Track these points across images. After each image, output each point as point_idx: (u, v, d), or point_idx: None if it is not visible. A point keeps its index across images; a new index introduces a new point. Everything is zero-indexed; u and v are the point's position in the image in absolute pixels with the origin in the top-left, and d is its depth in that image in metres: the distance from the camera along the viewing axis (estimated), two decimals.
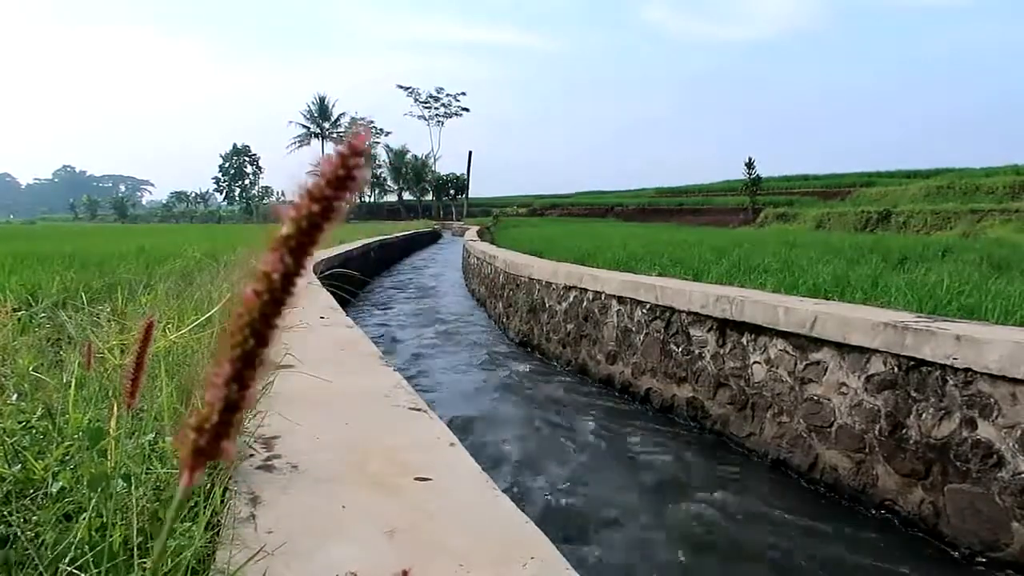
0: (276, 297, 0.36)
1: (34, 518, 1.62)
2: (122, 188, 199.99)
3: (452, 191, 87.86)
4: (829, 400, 4.93)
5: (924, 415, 4.22)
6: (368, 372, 4.06)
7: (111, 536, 1.52)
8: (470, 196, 79.18)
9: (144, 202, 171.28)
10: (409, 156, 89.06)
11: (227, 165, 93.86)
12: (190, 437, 0.36)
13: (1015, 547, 3.68)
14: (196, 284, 5.35)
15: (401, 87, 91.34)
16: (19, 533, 1.55)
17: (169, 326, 3.15)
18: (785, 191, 42.40)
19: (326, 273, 11.06)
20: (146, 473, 1.79)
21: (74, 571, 1.45)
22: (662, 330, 6.93)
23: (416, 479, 2.37)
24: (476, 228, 34.30)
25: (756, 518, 4.58)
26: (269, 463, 2.48)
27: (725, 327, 6.04)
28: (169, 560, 1.53)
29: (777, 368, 5.43)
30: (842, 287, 6.09)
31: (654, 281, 7.38)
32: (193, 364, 2.83)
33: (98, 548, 1.48)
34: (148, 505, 1.67)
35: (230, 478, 2.23)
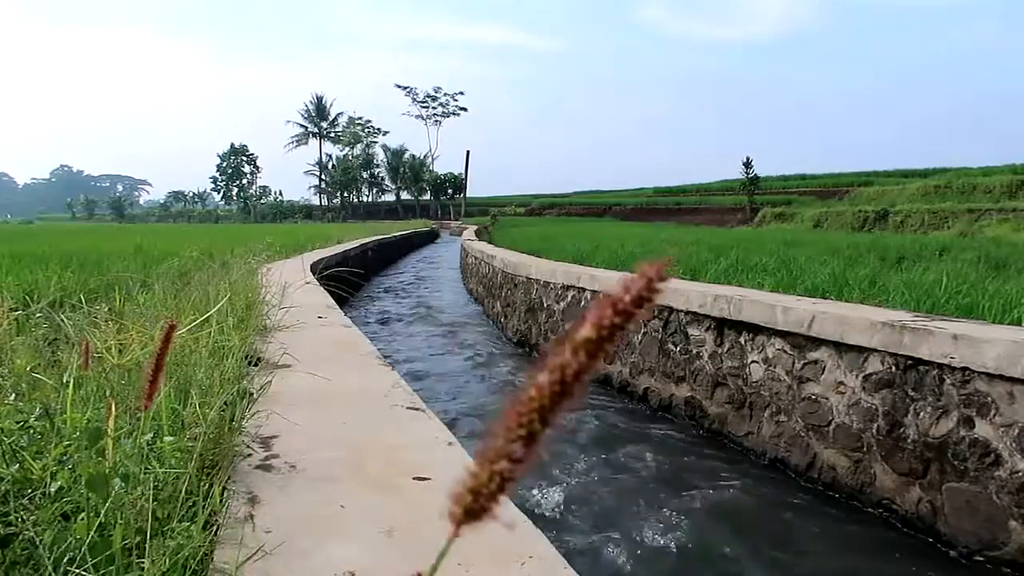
0: (566, 389, 0.39)
1: (32, 518, 1.62)
2: (119, 188, 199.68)
3: (450, 191, 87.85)
4: (827, 399, 4.93)
5: (922, 414, 4.23)
6: (366, 371, 4.06)
7: (110, 536, 1.52)
8: (468, 196, 79.18)
9: (142, 202, 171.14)
10: (407, 156, 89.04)
11: (225, 164, 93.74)
12: (466, 498, 0.40)
13: (1013, 546, 3.69)
14: (194, 283, 5.34)
15: (399, 86, 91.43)
16: (18, 533, 1.54)
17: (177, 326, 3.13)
18: (783, 190, 42.47)
19: (324, 272, 11.05)
20: (144, 473, 1.79)
21: (73, 571, 1.45)
22: (660, 329, 6.93)
23: (415, 478, 2.38)
24: (474, 228, 34.29)
25: (753, 517, 4.59)
26: (267, 463, 2.48)
27: (723, 326, 6.05)
28: (167, 559, 1.53)
29: (775, 367, 5.44)
30: (840, 286, 6.10)
31: None
32: (191, 364, 2.83)
33: (97, 548, 1.48)
34: (146, 505, 1.67)
35: (228, 478, 2.23)
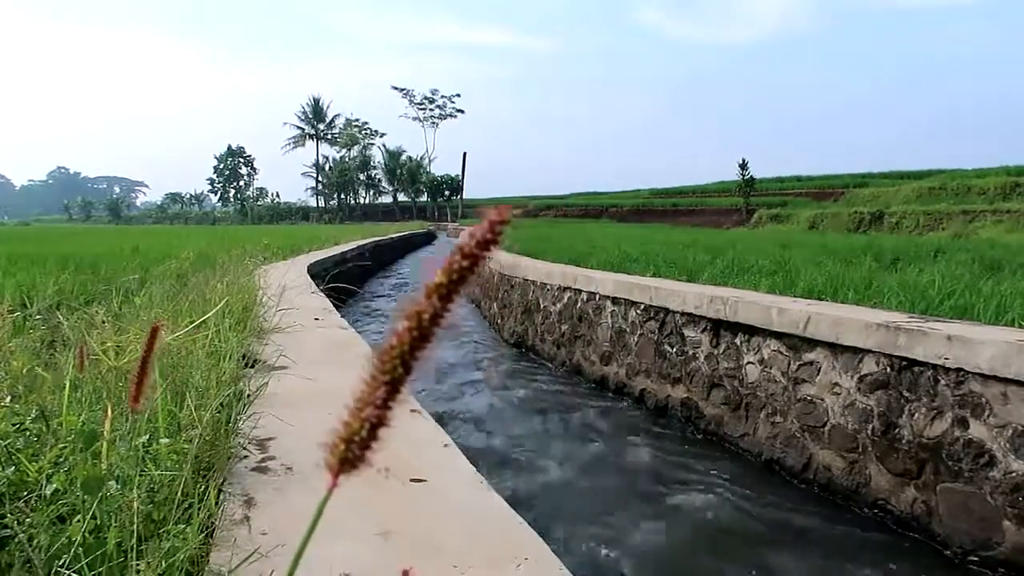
0: (424, 333, 0.41)
1: (28, 520, 1.62)
2: (116, 189, 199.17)
3: (447, 192, 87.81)
4: (822, 400, 4.95)
5: (916, 415, 4.24)
6: (363, 373, 4.06)
7: (105, 538, 1.53)
8: (465, 197, 79.09)
9: (138, 203, 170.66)
10: (404, 157, 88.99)
11: (222, 166, 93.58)
12: (339, 448, 0.41)
13: (1007, 546, 3.71)
14: (191, 286, 5.34)
15: (396, 88, 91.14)
16: (13, 535, 1.55)
17: (163, 328, 3.14)
18: (779, 192, 42.55)
19: (321, 274, 11.05)
20: (140, 475, 1.79)
21: (68, 574, 1.45)
22: (656, 331, 6.94)
23: (411, 480, 2.38)
24: (470, 229, 34.24)
25: (750, 518, 4.59)
26: (264, 464, 2.48)
27: (719, 328, 6.06)
28: (163, 562, 1.54)
29: (771, 368, 5.45)
30: (835, 288, 6.12)
31: (648, 282, 7.39)
32: (188, 366, 2.83)
33: (92, 550, 1.48)
34: (142, 507, 1.68)
35: (224, 480, 2.23)
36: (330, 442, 0.42)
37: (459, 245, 0.41)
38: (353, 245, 19.99)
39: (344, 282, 10.20)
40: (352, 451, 0.41)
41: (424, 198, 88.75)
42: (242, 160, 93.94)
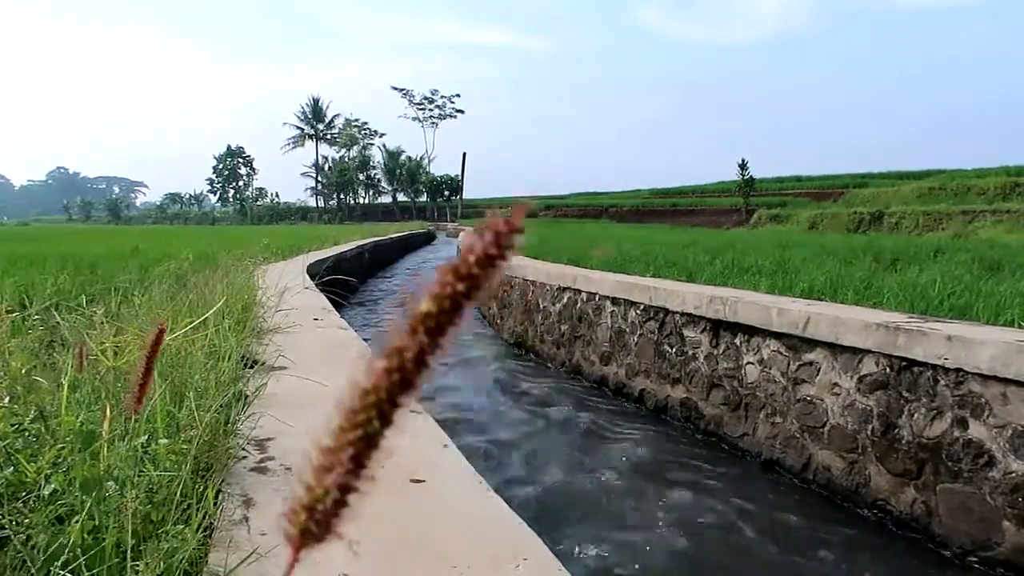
0: (406, 377, 0.33)
1: (26, 521, 1.62)
2: (116, 190, 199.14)
3: (446, 192, 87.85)
4: (822, 400, 4.95)
5: (916, 415, 4.24)
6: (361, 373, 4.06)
7: (104, 539, 1.52)
8: (464, 197, 79.10)
9: (138, 204, 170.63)
10: (404, 157, 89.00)
11: (221, 167, 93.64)
12: (300, 517, 0.34)
13: (1006, 546, 3.71)
14: (191, 286, 5.34)
15: (396, 89, 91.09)
16: (12, 536, 1.55)
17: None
18: (778, 192, 42.58)
19: (321, 274, 11.04)
20: (138, 476, 1.79)
21: (67, 574, 1.45)
22: (656, 331, 6.94)
23: (411, 481, 2.38)
24: (470, 229, 34.25)
25: (749, 518, 4.59)
26: (263, 465, 2.48)
27: (718, 328, 6.06)
28: (161, 562, 1.54)
29: (770, 369, 5.45)
30: (834, 288, 6.12)
31: (648, 282, 7.39)
32: (187, 366, 2.83)
33: (91, 551, 1.48)
34: (140, 508, 1.67)
35: (223, 480, 2.23)
36: (290, 510, 0.34)
37: (456, 265, 0.33)
38: (353, 245, 19.99)
39: (343, 282, 10.20)
40: (315, 521, 0.34)
41: (424, 198, 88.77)
42: (241, 160, 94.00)
